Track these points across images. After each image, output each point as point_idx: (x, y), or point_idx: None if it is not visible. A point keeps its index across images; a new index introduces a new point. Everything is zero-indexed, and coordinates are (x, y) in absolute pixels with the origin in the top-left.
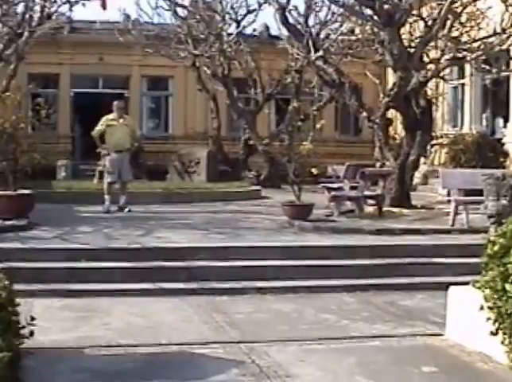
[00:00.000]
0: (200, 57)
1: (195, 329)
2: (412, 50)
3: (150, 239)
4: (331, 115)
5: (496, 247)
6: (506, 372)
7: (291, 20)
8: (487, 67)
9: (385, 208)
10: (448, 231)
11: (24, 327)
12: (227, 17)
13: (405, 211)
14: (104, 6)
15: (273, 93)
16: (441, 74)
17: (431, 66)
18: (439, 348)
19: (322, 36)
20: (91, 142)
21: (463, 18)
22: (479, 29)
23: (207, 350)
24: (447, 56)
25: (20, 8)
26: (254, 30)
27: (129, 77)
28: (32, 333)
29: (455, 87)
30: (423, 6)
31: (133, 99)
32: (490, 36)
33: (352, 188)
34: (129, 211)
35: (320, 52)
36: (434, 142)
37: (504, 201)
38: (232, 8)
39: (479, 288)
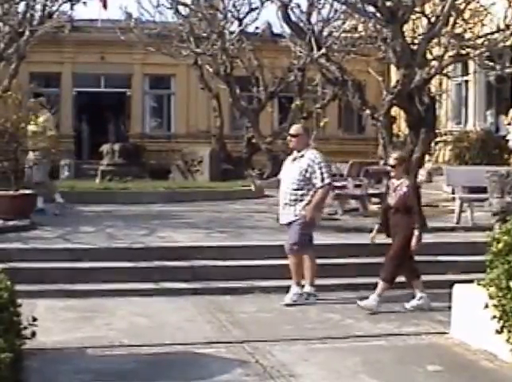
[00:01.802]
0: (202, 56)
1: (198, 328)
2: (415, 47)
3: (153, 239)
4: (334, 113)
5: (501, 245)
6: (511, 371)
7: (293, 17)
8: (491, 63)
9: None
10: (452, 229)
11: (26, 328)
12: (229, 15)
13: None
14: (105, 6)
15: (275, 91)
16: (445, 71)
17: (434, 63)
18: (444, 347)
19: (325, 33)
20: (94, 142)
21: (467, 15)
22: (483, 25)
23: (210, 350)
24: (450, 53)
25: (21, 7)
26: (257, 28)
27: (131, 76)
28: (34, 334)
29: (459, 84)
30: (426, 3)
31: (136, 97)
32: (493, 32)
33: (356, 186)
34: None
35: (323, 50)
36: (438, 139)
37: (508, 199)
38: (234, 6)
39: (483, 286)
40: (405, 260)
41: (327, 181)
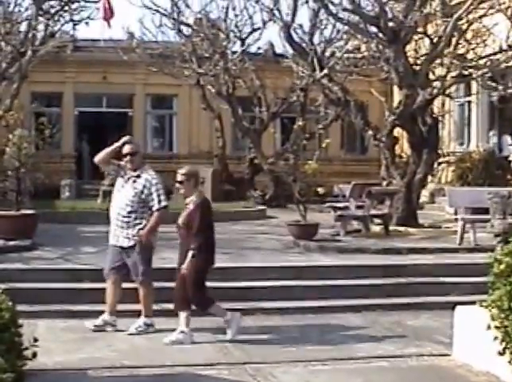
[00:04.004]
0: (205, 76)
1: (200, 350)
2: (417, 68)
3: (154, 260)
4: (336, 134)
5: (502, 266)
6: None
7: (296, 38)
8: (494, 84)
9: (391, 228)
10: (455, 250)
11: (27, 348)
12: (232, 35)
13: (411, 230)
14: (108, 22)
15: (278, 111)
16: (447, 91)
17: (437, 83)
18: (446, 369)
19: (327, 54)
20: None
21: (469, 35)
22: (485, 45)
23: (212, 371)
24: (453, 74)
25: (23, 26)
26: (259, 48)
27: (133, 96)
28: (35, 355)
29: (462, 105)
30: (428, 23)
31: (138, 117)
32: (496, 53)
33: (358, 207)
34: None
35: (325, 70)
36: (441, 160)
37: (510, 220)
38: (236, 26)
39: (485, 307)
40: (203, 282)
41: (163, 203)
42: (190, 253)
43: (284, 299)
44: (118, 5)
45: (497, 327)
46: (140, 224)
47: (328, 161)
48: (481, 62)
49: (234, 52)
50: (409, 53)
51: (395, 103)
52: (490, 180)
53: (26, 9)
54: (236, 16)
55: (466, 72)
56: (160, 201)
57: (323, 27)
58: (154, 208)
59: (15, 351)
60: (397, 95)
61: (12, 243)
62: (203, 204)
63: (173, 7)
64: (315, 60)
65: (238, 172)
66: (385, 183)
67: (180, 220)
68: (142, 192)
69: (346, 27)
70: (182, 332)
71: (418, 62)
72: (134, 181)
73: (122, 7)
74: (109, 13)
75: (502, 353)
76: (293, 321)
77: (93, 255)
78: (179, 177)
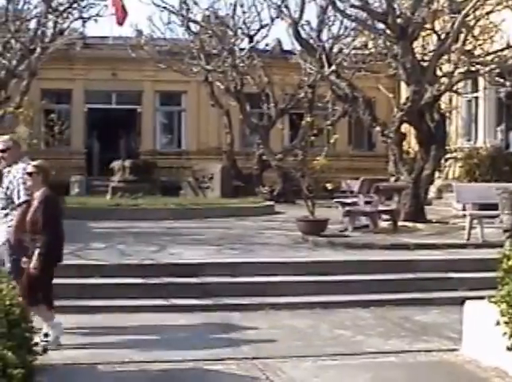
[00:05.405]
0: (213, 72)
1: (209, 345)
2: (425, 64)
3: (163, 256)
4: (344, 130)
5: (511, 262)
6: None
7: (304, 35)
8: (501, 80)
9: (399, 223)
10: (463, 246)
11: (37, 344)
12: (240, 32)
13: (419, 225)
14: (122, 21)
15: (286, 108)
16: (455, 88)
17: (444, 80)
18: (454, 364)
19: (335, 50)
20: (105, 158)
21: (477, 31)
22: (493, 42)
23: (221, 366)
24: (460, 70)
25: (32, 24)
26: (267, 45)
27: (142, 93)
28: (45, 350)
29: (469, 101)
30: (436, 20)
31: (146, 114)
32: (503, 49)
33: (366, 203)
34: None
35: (333, 67)
36: (448, 156)
37: None
38: (245, 23)
39: (494, 303)
40: (49, 282)
41: (23, 198)
42: (36, 251)
43: (292, 294)
44: (127, 3)
45: (506, 322)
46: (11, 220)
47: (336, 157)
48: (488, 58)
49: (242, 49)
50: (416, 50)
51: (403, 100)
52: (498, 176)
53: (35, 7)
54: (244, 13)
55: (473, 68)
56: (19, 197)
57: (330, 24)
58: (15, 204)
59: (26, 346)
60: (405, 92)
61: None
62: (47, 200)
63: (182, 4)
64: (323, 57)
65: (246, 168)
66: (393, 179)
67: (28, 217)
68: (8, 188)
69: (353, 24)
70: (51, 326)
71: (426, 58)
72: (6, 177)
73: (131, 5)
74: (122, 14)
75: (510, 348)
76: (302, 316)
77: (103, 251)
78: (29, 169)
